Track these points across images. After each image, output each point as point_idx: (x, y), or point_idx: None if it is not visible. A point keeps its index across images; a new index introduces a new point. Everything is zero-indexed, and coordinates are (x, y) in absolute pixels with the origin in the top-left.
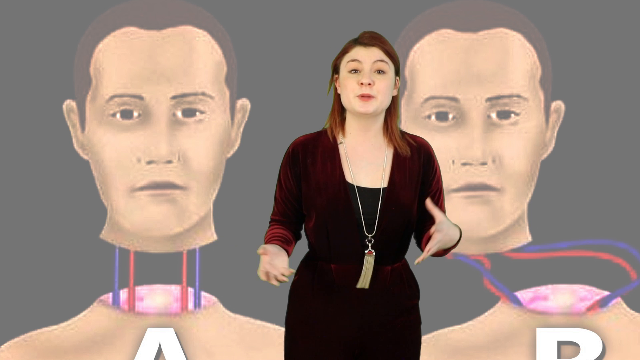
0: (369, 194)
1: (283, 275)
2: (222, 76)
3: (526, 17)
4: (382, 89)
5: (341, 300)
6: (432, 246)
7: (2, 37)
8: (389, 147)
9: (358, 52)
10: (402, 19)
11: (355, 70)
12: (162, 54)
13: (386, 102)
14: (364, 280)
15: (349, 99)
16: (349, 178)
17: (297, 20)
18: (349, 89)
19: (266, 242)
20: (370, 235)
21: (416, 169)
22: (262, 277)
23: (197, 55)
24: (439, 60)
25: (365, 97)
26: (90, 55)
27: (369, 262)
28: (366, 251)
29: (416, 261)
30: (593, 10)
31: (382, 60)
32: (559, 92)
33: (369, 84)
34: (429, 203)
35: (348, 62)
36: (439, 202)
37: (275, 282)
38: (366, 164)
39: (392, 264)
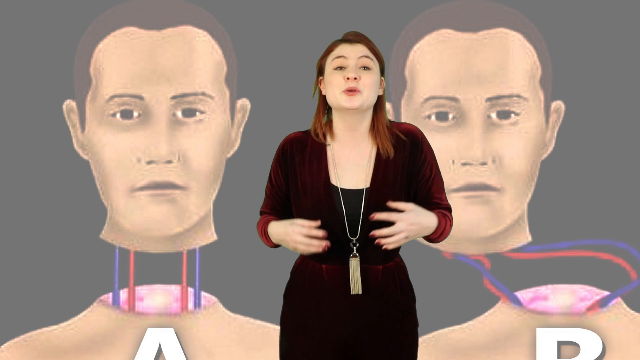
0: (352, 195)
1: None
2: (222, 76)
3: (526, 17)
4: (368, 84)
5: (333, 301)
6: (390, 233)
7: (2, 37)
8: (374, 147)
9: (343, 49)
10: (402, 19)
11: (340, 68)
12: (162, 54)
13: (372, 99)
14: (355, 285)
15: (335, 95)
16: (333, 180)
17: (297, 20)
18: (334, 85)
19: (263, 228)
20: (354, 239)
21: (402, 163)
22: (303, 247)
23: (197, 55)
24: (439, 60)
25: (350, 91)
26: (90, 55)
27: (354, 265)
28: (351, 255)
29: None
30: (593, 10)
31: (367, 56)
32: (559, 92)
33: (355, 78)
34: (391, 203)
35: (333, 59)
36: (432, 189)
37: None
38: (352, 165)
39: (383, 264)
